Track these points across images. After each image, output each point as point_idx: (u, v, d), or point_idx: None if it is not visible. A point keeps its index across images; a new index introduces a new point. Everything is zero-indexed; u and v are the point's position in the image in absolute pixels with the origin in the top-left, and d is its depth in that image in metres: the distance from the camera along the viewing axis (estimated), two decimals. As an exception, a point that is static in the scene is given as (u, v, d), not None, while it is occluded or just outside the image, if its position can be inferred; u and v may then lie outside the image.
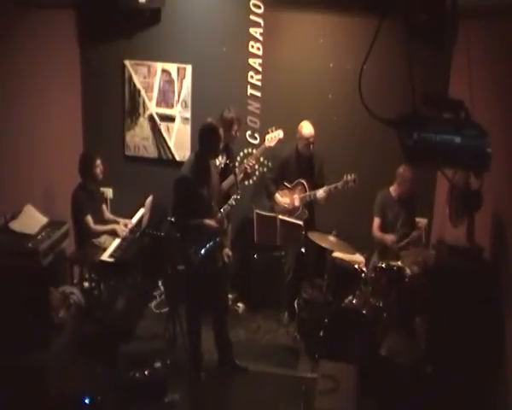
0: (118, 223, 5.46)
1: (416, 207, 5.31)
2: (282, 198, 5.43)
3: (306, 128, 5.24)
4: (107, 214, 5.60)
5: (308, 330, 5.11)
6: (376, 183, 5.35)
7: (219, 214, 4.49)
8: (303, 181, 5.35)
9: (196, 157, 4.42)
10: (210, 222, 4.42)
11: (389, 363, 4.22)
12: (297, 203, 5.36)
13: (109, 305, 5.12)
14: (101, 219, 5.42)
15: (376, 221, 5.27)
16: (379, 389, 4.13)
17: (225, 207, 4.53)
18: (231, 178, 5.02)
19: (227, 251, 4.69)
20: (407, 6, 3.69)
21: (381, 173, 5.36)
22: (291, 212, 5.37)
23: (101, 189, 5.72)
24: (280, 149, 5.49)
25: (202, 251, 4.38)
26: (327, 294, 4.96)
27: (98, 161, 5.23)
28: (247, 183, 5.91)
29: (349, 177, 5.06)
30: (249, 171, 5.31)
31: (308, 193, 5.31)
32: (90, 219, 5.16)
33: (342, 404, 3.73)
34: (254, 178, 5.97)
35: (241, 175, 5.22)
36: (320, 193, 5.21)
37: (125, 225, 5.41)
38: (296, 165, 5.38)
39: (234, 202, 4.54)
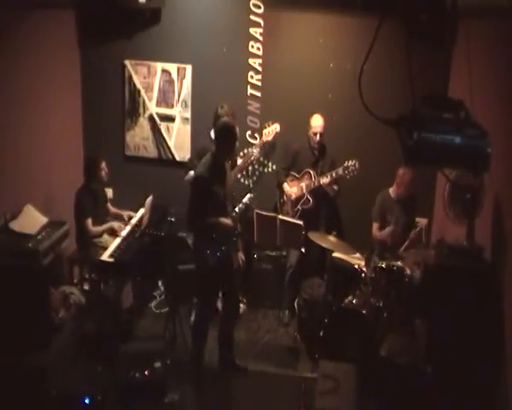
0: (121, 216, 5.47)
1: (416, 208, 5.30)
2: (290, 187, 5.51)
3: (315, 119, 5.34)
4: (113, 210, 5.60)
5: (308, 330, 5.10)
6: (376, 183, 5.35)
7: (234, 213, 4.48)
8: (310, 170, 5.41)
9: (213, 157, 4.39)
10: (226, 221, 4.40)
11: (389, 363, 4.22)
12: (303, 191, 5.43)
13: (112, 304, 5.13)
14: (106, 218, 5.42)
15: (375, 226, 5.27)
16: (379, 389, 4.13)
17: (240, 206, 4.51)
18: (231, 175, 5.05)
19: (241, 255, 4.71)
20: (407, 6, 3.69)
21: (381, 173, 5.36)
22: (297, 200, 5.46)
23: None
24: (291, 142, 5.58)
25: (218, 254, 4.36)
26: (327, 294, 4.96)
27: (103, 164, 5.23)
28: (247, 182, 5.92)
29: (350, 162, 5.12)
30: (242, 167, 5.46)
31: (313, 180, 5.37)
32: (89, 222, 5.14)
33: (342, 404, 3.74)
34: (254, 177, 5.98)
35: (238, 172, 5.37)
36: (323, 179, 5.29)
37: (129, 218, 5.42)
38: (307, 157, 5.46)
39: (249, 202, 4.54)
